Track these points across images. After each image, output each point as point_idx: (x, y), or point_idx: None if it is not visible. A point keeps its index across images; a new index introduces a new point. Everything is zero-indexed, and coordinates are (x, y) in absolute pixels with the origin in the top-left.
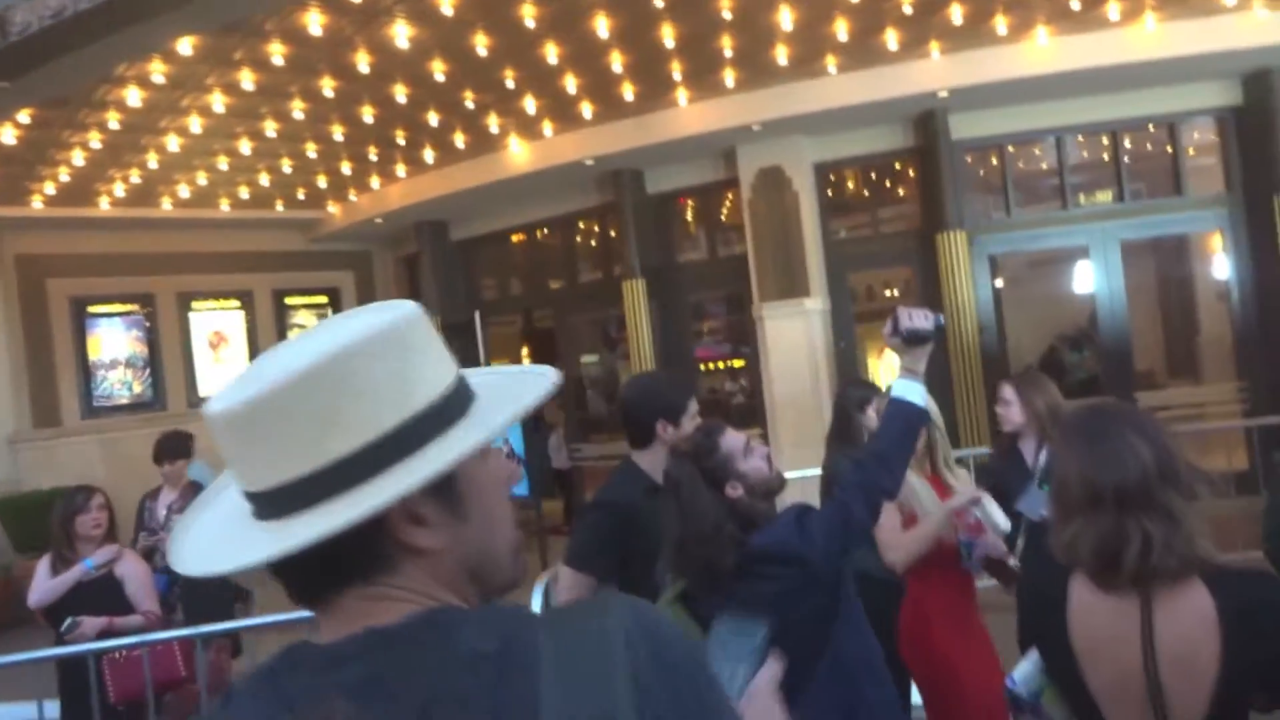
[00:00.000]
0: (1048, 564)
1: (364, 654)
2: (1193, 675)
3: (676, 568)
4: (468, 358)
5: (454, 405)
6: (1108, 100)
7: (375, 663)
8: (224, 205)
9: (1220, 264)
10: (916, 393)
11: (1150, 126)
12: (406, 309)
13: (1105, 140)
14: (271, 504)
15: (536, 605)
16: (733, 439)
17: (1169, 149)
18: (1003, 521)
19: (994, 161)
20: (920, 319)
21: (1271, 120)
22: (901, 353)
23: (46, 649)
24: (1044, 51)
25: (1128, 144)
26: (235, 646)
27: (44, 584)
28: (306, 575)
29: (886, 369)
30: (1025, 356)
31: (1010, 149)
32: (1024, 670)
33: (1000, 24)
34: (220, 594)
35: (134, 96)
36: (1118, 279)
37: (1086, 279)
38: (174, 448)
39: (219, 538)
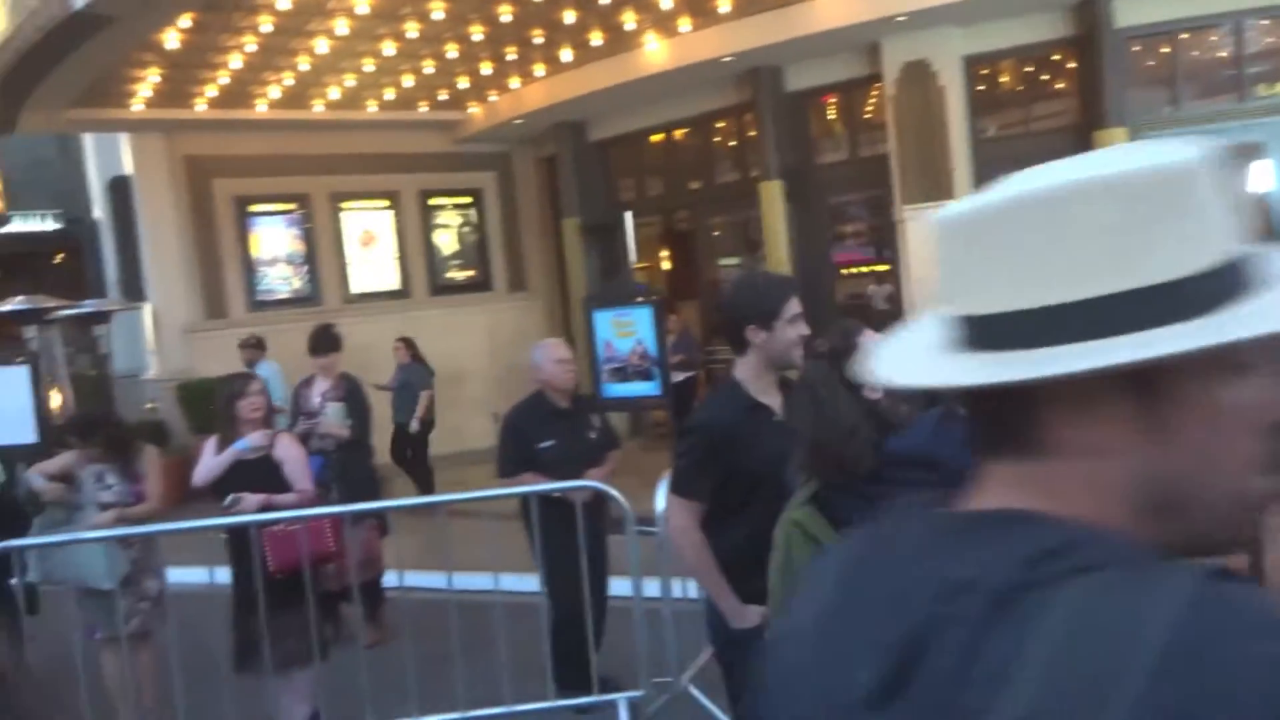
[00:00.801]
0: None
1: (948, 533)
2: None
3: (811, 469)
4: (615, 258)
5: (1235, 280)
6: None
7: (948, 545)
8: (371, 107)
9: None
10: None
11: None
12: (1204, 153)
13: None
14: (991, 331)
15: (660, 504)
16: (872, 340)
17: None
18: None
19: (1162, 51)
20: None
21: None
22: None
23: (215, 519)
24: None
25: None
26: (383, 526)
27: (208, 462)
28: (982, 425)
29: None
30: None
31: (1182, 36)
32: None
33: None
34: (369, 477)
35: (283, 0)
36: None
37: (1262, 179)
38: (327, 341)
39: (919, 358)
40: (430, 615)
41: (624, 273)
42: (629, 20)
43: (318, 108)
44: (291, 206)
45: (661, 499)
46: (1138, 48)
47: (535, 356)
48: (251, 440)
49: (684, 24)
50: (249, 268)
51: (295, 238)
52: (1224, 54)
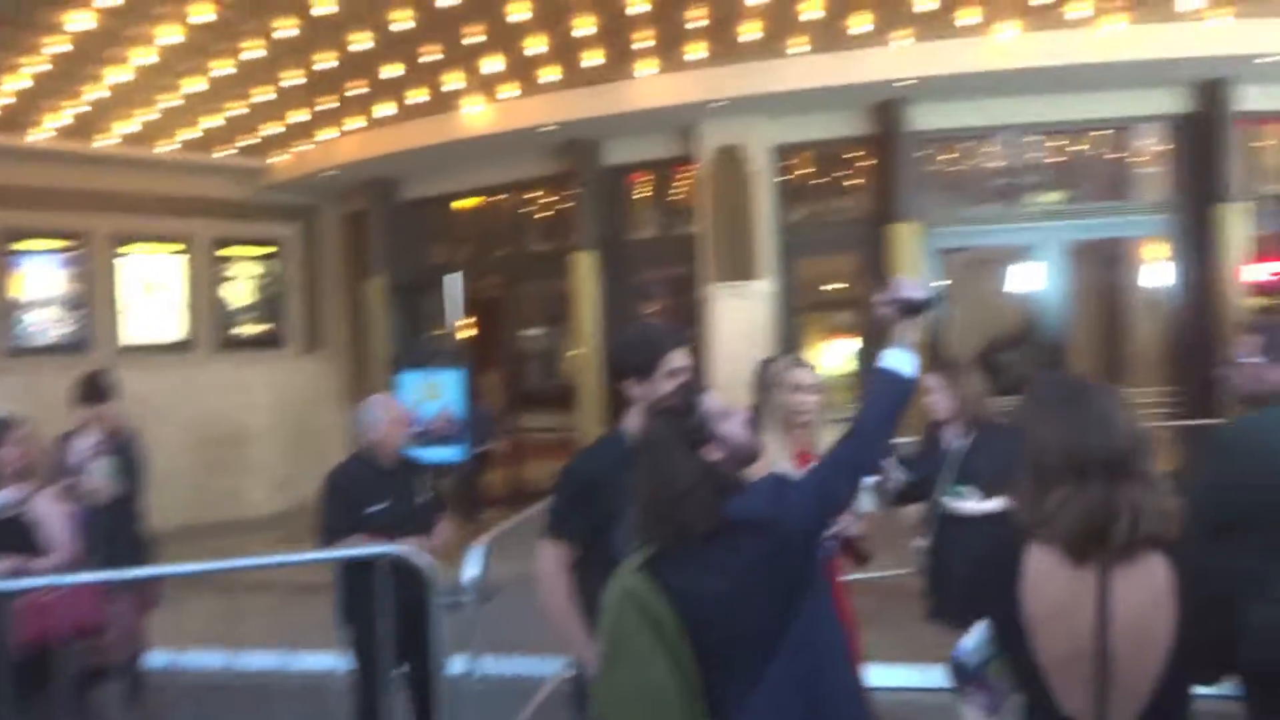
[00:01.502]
0: (997, 535)
1: None
2: (1145, 647)
3: (645, 530)
4: (422, 320)
5: None
6: (1063, 101)
7: None
8: (167, 146)
9: (1160, 271)
10: (907, 364)
11: (1102, 131)
12: None
13: (1057, 141)
14: None
15: (470, 572)
16: (714, 401)
17: (1118, 153)
18: (866, 504)
19: (948, 155)
20: (916, 289)
21: (1219, 130)
22: (894, 323)
23: None
24: (1007, 46)
25: (1079, 146)
26: (152, 597)
27: None
28: None
29: (827, 355)
30: (965, 353)
31: (965, 143)
32: (973, 641)
33: (968, 15)
34: (138, 540)
35: (80, 21)
36: (1062, 280)
37: (1029, 279)
38: (96, 389)
39: None
40: (208, 700)
41: (445, 333)
42: (453, 80)
43: (105, 141)
44: (66, 244)
45: (471, 568)
46: (929, 150)
47: (368, 414)
48: (7, 496)
49: (508, 89)
50: (8, 309)
51: (67, 278)
52: (1002, 163)
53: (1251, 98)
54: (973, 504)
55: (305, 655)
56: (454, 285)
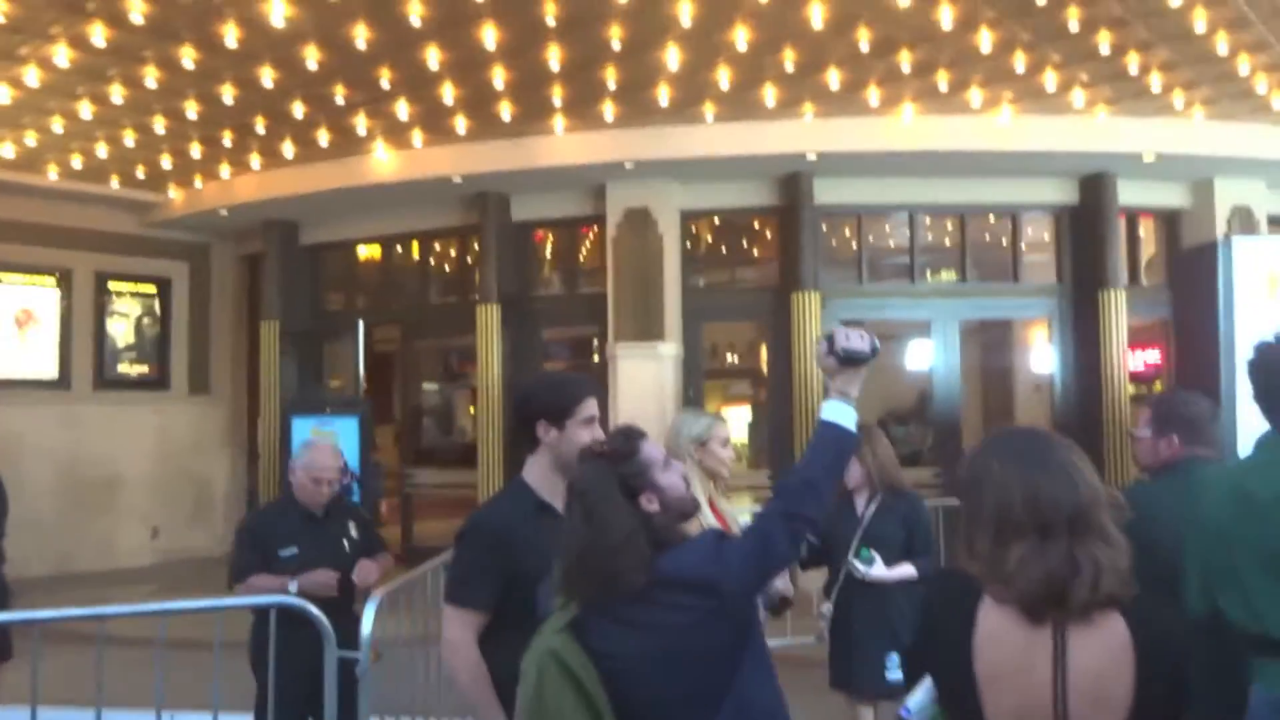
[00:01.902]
0: (947, 590)
1: None
2: (1103, 709)
3: (572, 585)
4: (317, 367)
5: None
6: (959, 184)
7: None
8: (51, 173)
9: (1046, 352)
10: (849, 417)
11: (994, 216)
12: None
13: (952, 223)
14: None
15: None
16: (653, 448)
17: (1009, 238)
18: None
19: (850, 229)
20: (857, 339)
21: (1102, 220)
22: (834, 374)
23: None
24: (908, 129)
25: (973, 229)
26: (6, 648)
27: None
28: None
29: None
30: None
31: (866, 219)
32: (918, 699)
33: (872, 94)
34: None
35: None
36: (954, 356)
37: (923, 355)
38: None
39: None
40: None
41: (341, 384)
42: (360, 124)
43: None
44: None
45: (368, 622)
46: (829, 224)
47: (296, 459)
48: None
49: (417, 137)
50: None
51: None
52: (901, 239)
53: (1133, 191)
54: (879, 570)
55: (179, 716)
56: (356, 333)
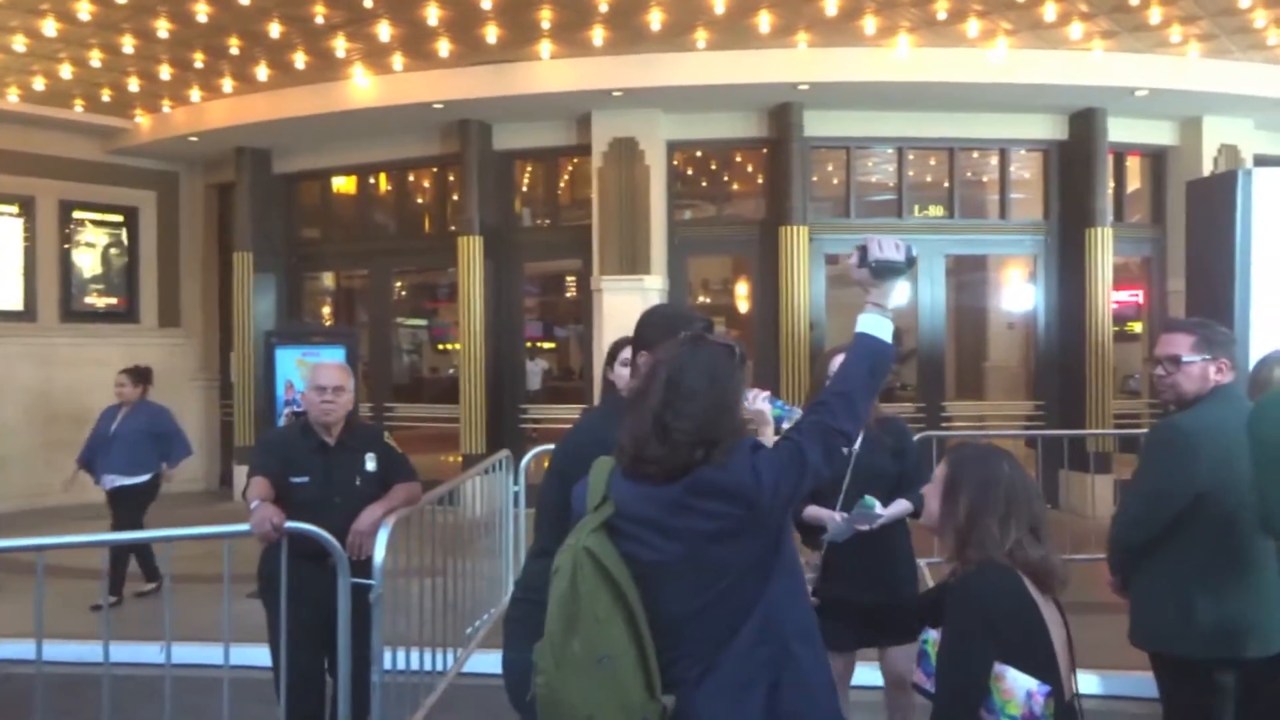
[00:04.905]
0: (1001, 581)
1: None
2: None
3: (673, 452)
4: (291, 299)
5: None
6: (949, 119)
7: None
8: (12, 95)
9: (1031, 289)
10: (885, 329)
11: (982, 152)
12: None
13: (940, 159)
14: None
15: (380, 554)
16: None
17: (998, 174)
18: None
19: (839, 162)
20: (891, 249)
21: (1091, 157)
22: (869, 286)
23: None
24: (902, 60)
25: (961, 164)
26: None
27: None
28: None
29: None
30: None
31: (855, 153)
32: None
33: (869, 23)
34: None
35: None
36: (940, 291)
37: (905, 293)
38: None
39: None
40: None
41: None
42: (339, 46)
43: None
44: None
45: (381, 549)
46: (819, 156)
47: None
48: None
49: (398, 60)
50: None
51: None
52: (887, 173)
53: (1122, 129)
54: (885, 511)
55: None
56: (330, 265)
